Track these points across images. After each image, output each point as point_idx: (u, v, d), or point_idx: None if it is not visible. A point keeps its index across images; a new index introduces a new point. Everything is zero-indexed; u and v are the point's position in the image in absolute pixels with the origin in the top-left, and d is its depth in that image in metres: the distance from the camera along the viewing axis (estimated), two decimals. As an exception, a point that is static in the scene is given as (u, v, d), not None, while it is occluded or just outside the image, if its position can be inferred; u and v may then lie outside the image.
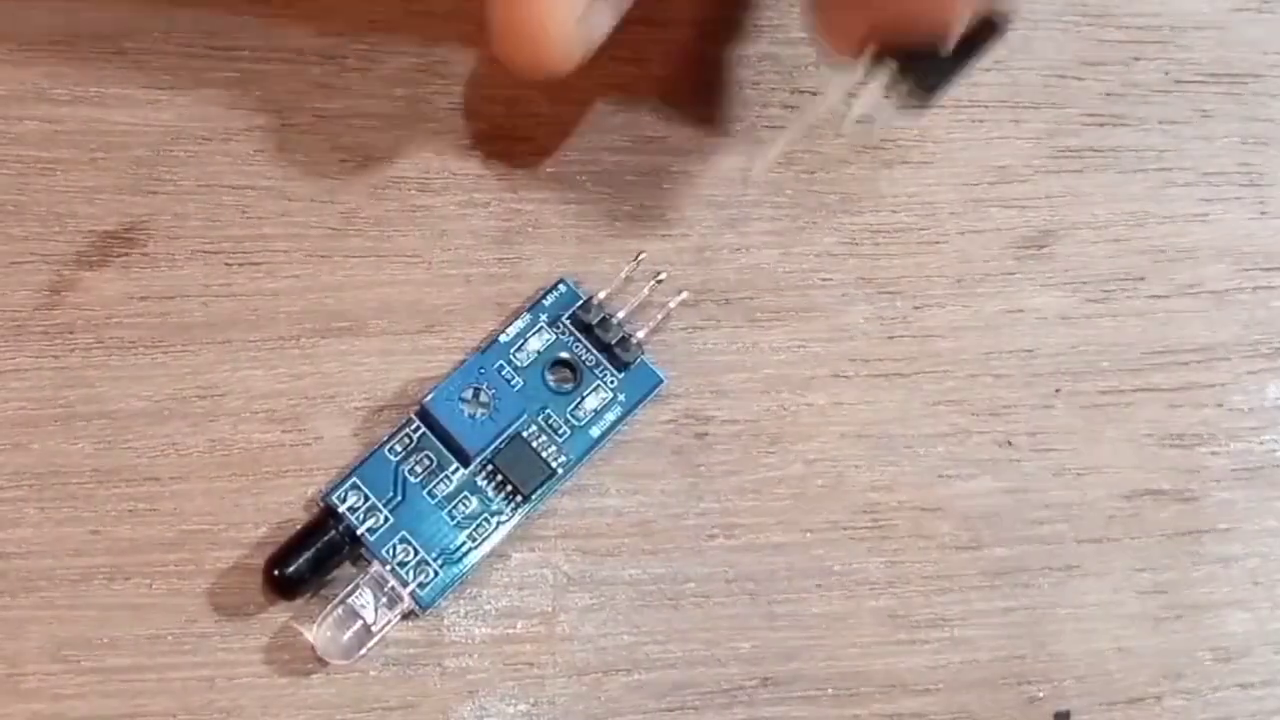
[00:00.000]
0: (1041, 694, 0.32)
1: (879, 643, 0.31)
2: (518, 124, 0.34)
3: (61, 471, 0.30)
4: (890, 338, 0.34)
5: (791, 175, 0.34)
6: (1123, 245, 0.35)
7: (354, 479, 0.30)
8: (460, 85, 0.34)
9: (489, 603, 0.31)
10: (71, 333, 0.31)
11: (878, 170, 0.35)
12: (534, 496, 0.30)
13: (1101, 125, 0.36)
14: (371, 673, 0.30)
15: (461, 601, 0.30)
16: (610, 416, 0.31)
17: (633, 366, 0.32)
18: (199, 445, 0.31)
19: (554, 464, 0.31)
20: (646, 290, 0.32)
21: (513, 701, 0.30)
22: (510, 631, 0.31)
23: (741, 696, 0.31)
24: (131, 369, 0.31)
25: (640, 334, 0.32)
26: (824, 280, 0.34)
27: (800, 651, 0.31)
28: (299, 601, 0.30)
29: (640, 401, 0.32)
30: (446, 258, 0.33)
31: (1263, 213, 0.36)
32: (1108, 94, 0.36)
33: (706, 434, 0.32)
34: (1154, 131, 0.36)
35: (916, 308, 0.34)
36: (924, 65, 0.29)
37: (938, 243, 0.35)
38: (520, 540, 0.31)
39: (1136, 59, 0.37)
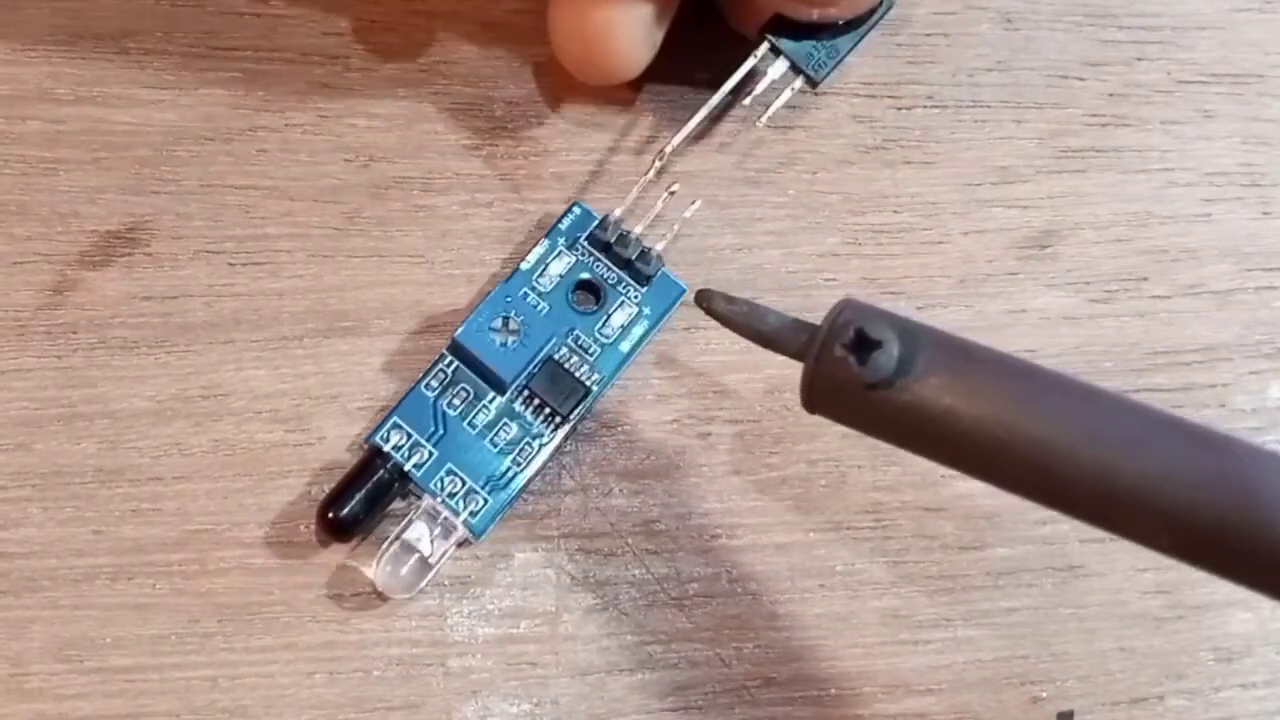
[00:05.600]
0: (1045, 694, 0.32)
1: (882, 643, 0.32)
2: (520, 124, 0.34)
3: (64, 471, 0.30)
4: (893, 338, 0.33)
5: (794, 175, 0.34)
6: (1125, 245, 0.35)
7: (395, 419, 0.30)
8: (463, 85, 0.34)
9: (492, 602, 0.31)
10: (74, 332, 0.31)
11: (880, 170, 0.35)
12: (572, 416, 0.31)
13: (1104, 125, 0.36)
14: (375, 673, 0.30)
15: (465, 601, 0.30)
16: (638, 331, 0.32)
17: (654, 279, 0.32)
18: (202, 445, 0.31)
19: (588, 382, 0.31)
20: (660, 204, 0.32)
21: (516, 701, 0.30)
22: (514, 631, 0.31)
23: (745, 696, 0.31)
24: (134, 369, 0.31)
25: (659, 246, 0.32)
26: (827, 280, 0.34)
27: (803, 652, 0.31)
28: (353, 544, 0.30)
29: (666, 312, 0.32)
30: (449, 258, 0.33)
31: (1265, 213, 0.36)
32: (1110, 94, 0.36)
33: (709, 434, 0.32)
34: (1156, 132, 0.36)
35: (920, 308, 0.34)
36: (814, 47, 0.32)
37: (941, 243, 0.35)
38: (524, 540, 0.31)
39: (1139, 59, 0.37)
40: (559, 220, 0.33)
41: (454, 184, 0.34)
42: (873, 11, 0.32)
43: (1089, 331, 0.34)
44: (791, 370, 0.33)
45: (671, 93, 0.35)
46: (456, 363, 0.31)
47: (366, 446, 0.30)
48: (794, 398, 0.32)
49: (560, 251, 0.32)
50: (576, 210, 0.33)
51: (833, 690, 0.31)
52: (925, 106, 0.36)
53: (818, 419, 0.32)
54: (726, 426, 0.32)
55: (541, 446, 0.31)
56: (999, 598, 0.32)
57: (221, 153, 0.33)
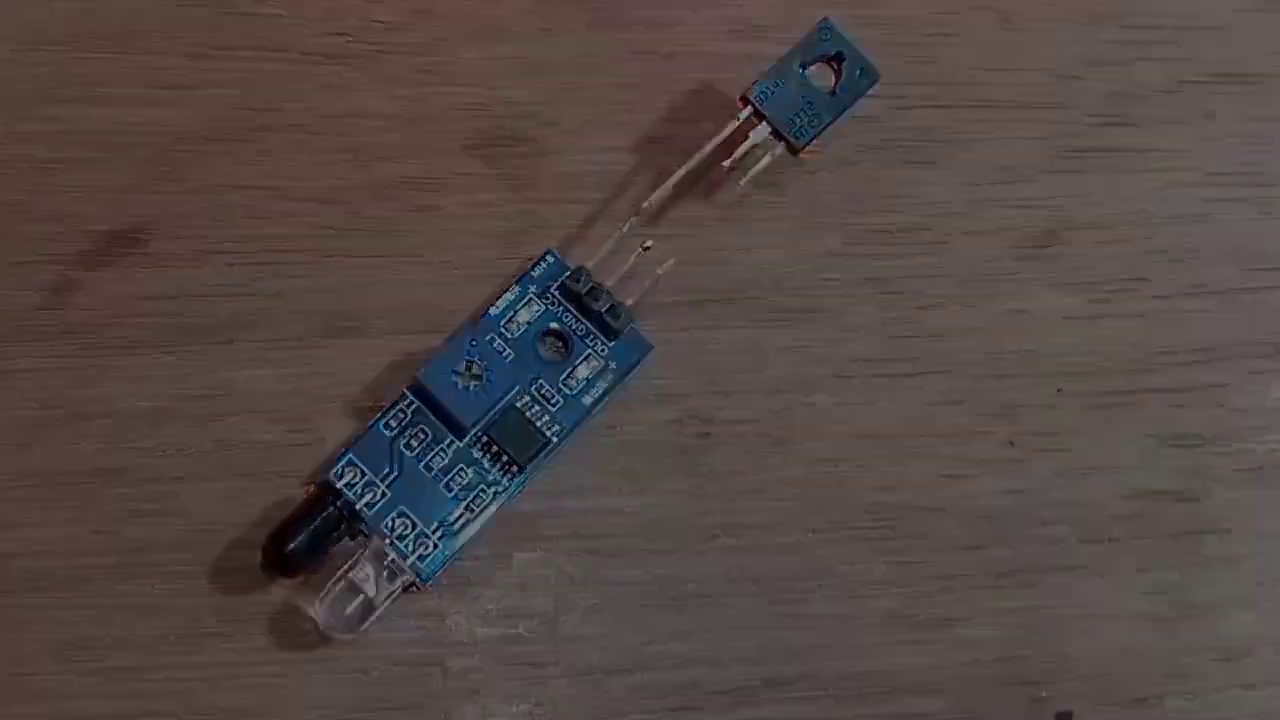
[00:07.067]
0: (1045, 694, 0.32)
1: (882, 643, 0.31)
2: (522, 124, 0.34)
3: (65, 472, 0.30)
4: (894, 338, 0.33)
5: (794, 175, 0.34)
6: (1126, 245, 0.35)
7: (350, 455, 0.30)
8: (464, 84, 0.34)
9: (492, 603, 0.31)
10: (76, 333, 0.31)
11: (881, 170, 0.35)
12: (529, 466, 0.31)
13: (1106, 125, 0.36)
14: (375, 673, 0.30)
15: (464, 602, 0.30)
16: (602, 385, 0.32)
17: (623, 335, 0.32)
18: (203, 446, 0.31)
19: (548, 433, 0.31)
20: (634, 259, 0.32)
21: (515, 702, 0.30)
22: (513, 632, 0.31)
23: (745, 697, 0.31)
24: (136, 369, 0.31)
25: (629, 302, 0.32)
26: (828, 280, 0.34)
27: (803, 652, 0.31)
28: (298, 580, 0.30)
29: (631, 369, 0.32)
30: (450, 258, 0.33)
31: (1266, 213, 0.36)
32: (1112, 94, 0.36)
33: (710, 434, 0.32)
34: (1158, 131, 0.36)
35: (920, 308, 0.34)
36: (797, 117, 0.32)
37: (942, 243, 0.34)
38: (524, 540, 0.31)
39: (1140, 59, 0.37)
40: (531, 267, 0.32)
41: (455, 184, 0.34)
42: (859, 85, 0.33)
43: (1090, 331, 0.34)
44: (793, 369, 0.33)
45: (665, 144, 0.34)
46: (417, 403, 0.31)
47: (319, 482, 0.30)
48: (795, 398, 0.33)
49: (530, 299, 0.32)
50: (550, 258, 0.32)
51: (833, 690, 0.31)
52: (926, 106, 0.36)
53: (818, 419, 0.33)
54: (727, 426, 0.32)
55: (496, 495, 0.30)
56: (999, 598, 0.32)
57: (223, 153, 0.33)
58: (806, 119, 0.32)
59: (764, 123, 0.32)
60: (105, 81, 0.33)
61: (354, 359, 0.32)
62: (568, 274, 0.32)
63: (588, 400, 0.31)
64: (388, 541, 0.30)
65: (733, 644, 0.31)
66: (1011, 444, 0.33)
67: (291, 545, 0.29)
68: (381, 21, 0.34)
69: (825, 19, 0.33)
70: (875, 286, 0.34)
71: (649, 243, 0.32)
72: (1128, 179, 0.36)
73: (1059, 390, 0.34)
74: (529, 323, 0.32)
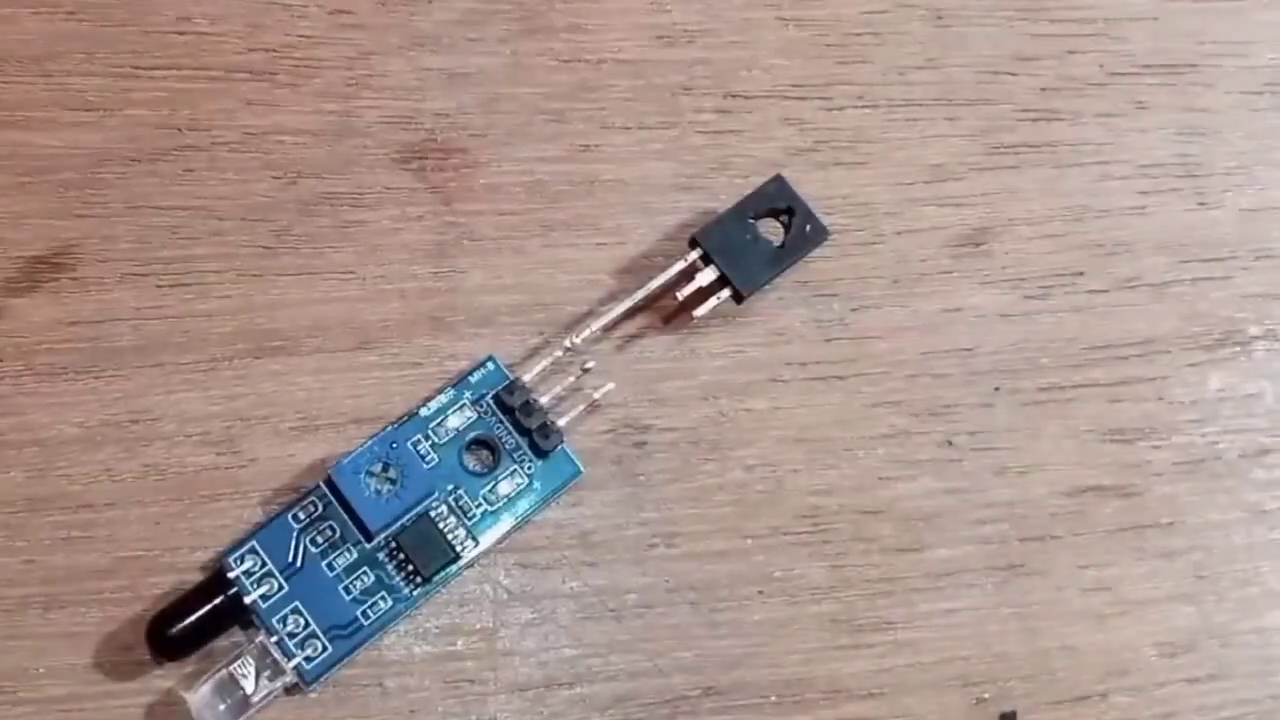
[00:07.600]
0: (987, 695, 0.32)
1: (822, 648, 0.31)
2: (450, 136, 0.34)
3: (-6, 501, 0.30)
4: (828, 340, 0.33)
5: (725, 180, 0.34)
6: (1060, 240, 0.35)
7: (253, 543, 0.29)
8: (391, 98, 0.34)
9: (429, 620, 0.31)
10: (1, 360, 0.31)
11: (812, 172, 0.35)
12: (435, 579, 0.30)
13: (1036, 120, 0.36)
14: (312, 695, 0.30)
15: (401, 620, 0.30)
16: (523, 504, 0.31)
17: (551, 455, 0.31)
18: (133, 470, 0.31)
19: (458, 548, 0.30)
20: (574, 378, 0.32)
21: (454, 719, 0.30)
22: (451, 649, 0.30)
23: (685, 706, 0.31)
24: (63, 395, 0.31)
25: (563, 422, 0.31)
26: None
27: (743, 659, 0.31)
28: (182, 664, 0.29)
29: (555, 492, 0.31)
30: (380, 273, 0.33)
31: (1201, 204, 0.36)
32: (1043, 89, 0.36)
33: (645, 443, 0.32)
34: (1090, 125, 0.36)
35: (854, 309, 0.34)
36: (744, 266, 0.32)
37: (874, 243, 0.34)
38: (459, 556, 0.31)
39: (1071, 52, 0.37)
40: (469, 373, 0.32)
41: (384, 198, 0.33)
42: (807, 240, 0.33)
43: (1025, 328, 0.34)
44: (727, 375, 0.33)
45: (595, 151, 0.34)
46: (329, 498, 0.30)
47: (215, 566, 0.30)
48: (729, 403, 0.33)
49: (463, 404, 0.31)
50: (490, 365, 0.32)
51: (773, 697, 0.31)
52: (856, 106, 0.35)
53: (753, 424, 0.32)
54: (662, 435, 0.32)
55: (395, 603, 0.30)
56: (939, 599, 0.32)
57: (147, 174, 0.33)
58: (752, 269, 0.32)
59: (711, 266, 0.32)
60: (24, 105, 0.33)
61: (285, 378, 0.32)
62: (504, 385, 0.31)
63: (505, 518, 0.31)
64: (275, 639, 0.29)
65: (672, 654, 0.31)
66: (949, 444, 0.33)
67: (176, 629, 0.29)
68: (307, 36, 0.34)
69: (778, 175, 0.33)
70: (808, 289, 0.34)
71: (590, 363, 0.32)
72: (1061, 173, 0.36)
73: (996, 389, 0.34)
74: (458, 429, 0.31)
